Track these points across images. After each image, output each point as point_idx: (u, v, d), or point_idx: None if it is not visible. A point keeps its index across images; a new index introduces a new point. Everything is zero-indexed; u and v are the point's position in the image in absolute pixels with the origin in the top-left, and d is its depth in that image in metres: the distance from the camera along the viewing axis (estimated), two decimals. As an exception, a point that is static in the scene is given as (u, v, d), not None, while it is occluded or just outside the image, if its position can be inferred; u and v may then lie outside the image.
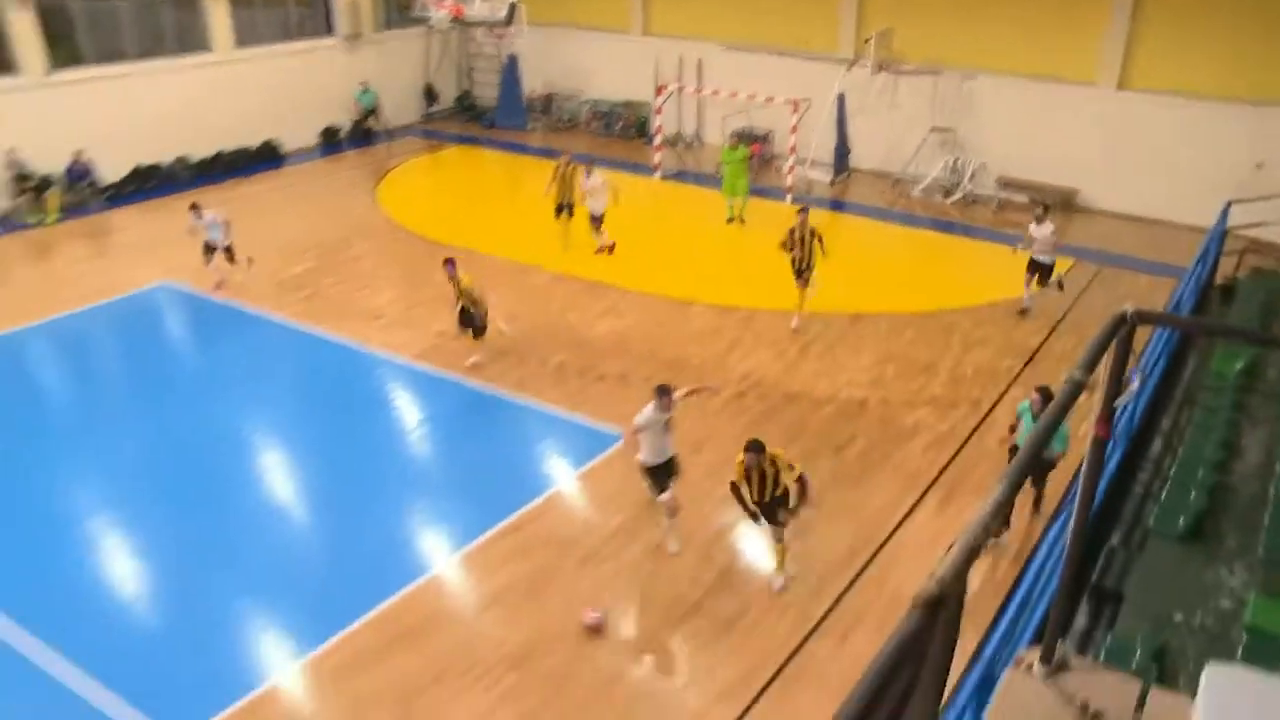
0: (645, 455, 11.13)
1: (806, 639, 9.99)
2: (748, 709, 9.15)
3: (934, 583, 2.70)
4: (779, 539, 10.64)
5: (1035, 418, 10.73)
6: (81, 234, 21.61)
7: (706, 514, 11.74)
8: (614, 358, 15.43)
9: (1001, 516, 9.77)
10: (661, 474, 11.19)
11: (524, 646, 9.90)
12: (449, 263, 15.26)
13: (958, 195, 23.55)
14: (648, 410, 10.93)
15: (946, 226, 22.01)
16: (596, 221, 19.37)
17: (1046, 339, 16.25)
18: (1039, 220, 16.61)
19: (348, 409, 14.57)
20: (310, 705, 9.53)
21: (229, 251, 18.14)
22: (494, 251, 19.78)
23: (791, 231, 16.26)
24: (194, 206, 18.18)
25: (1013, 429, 11.57)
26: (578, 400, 14.21)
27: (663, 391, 11.01)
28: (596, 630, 10.01)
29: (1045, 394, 10.75)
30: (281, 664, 9.99)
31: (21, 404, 14.95)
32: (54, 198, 22.28)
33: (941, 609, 2.72)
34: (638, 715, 9.15)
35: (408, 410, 14.61)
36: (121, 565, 11.59)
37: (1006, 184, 23.35)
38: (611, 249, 19.26)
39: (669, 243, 20.88)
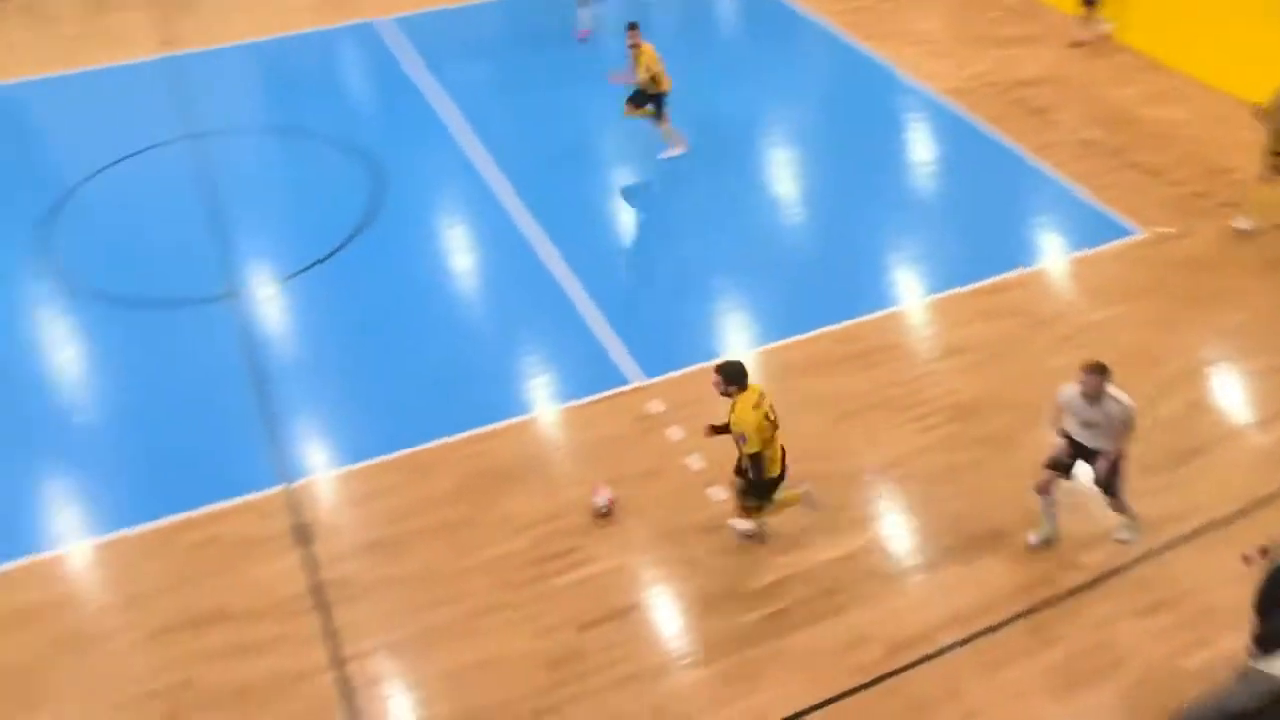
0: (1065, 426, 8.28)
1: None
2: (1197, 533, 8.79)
3: None
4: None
5: None
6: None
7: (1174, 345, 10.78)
8: (1153, 148, 14.12)
9: None
10: (1068, 459, 8.33)
11: (972, 403, 9.93)
12: (633, 27, 13.43)
13: None
14: (1068, 389, 8.08)
15: None
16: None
17: None
18: None
19: (863, 125, 14.70)
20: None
21: None
22: (1051, 2, 18.43)
23: None
24: None
25: None
26: (1099, 181, 13.27)
27: (1093, 372, 7.76)
28: (604, 515, 8.94)
29: None
30: (740, 344, 10.85)
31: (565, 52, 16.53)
32: None
33: None
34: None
35: (920, 143, 14.49)
36: (628, 217, 13.04)
37: None
38: (1081, 44, 16.47)
39: (1256, 35, 18.39)
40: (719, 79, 16.04)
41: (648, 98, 13.51)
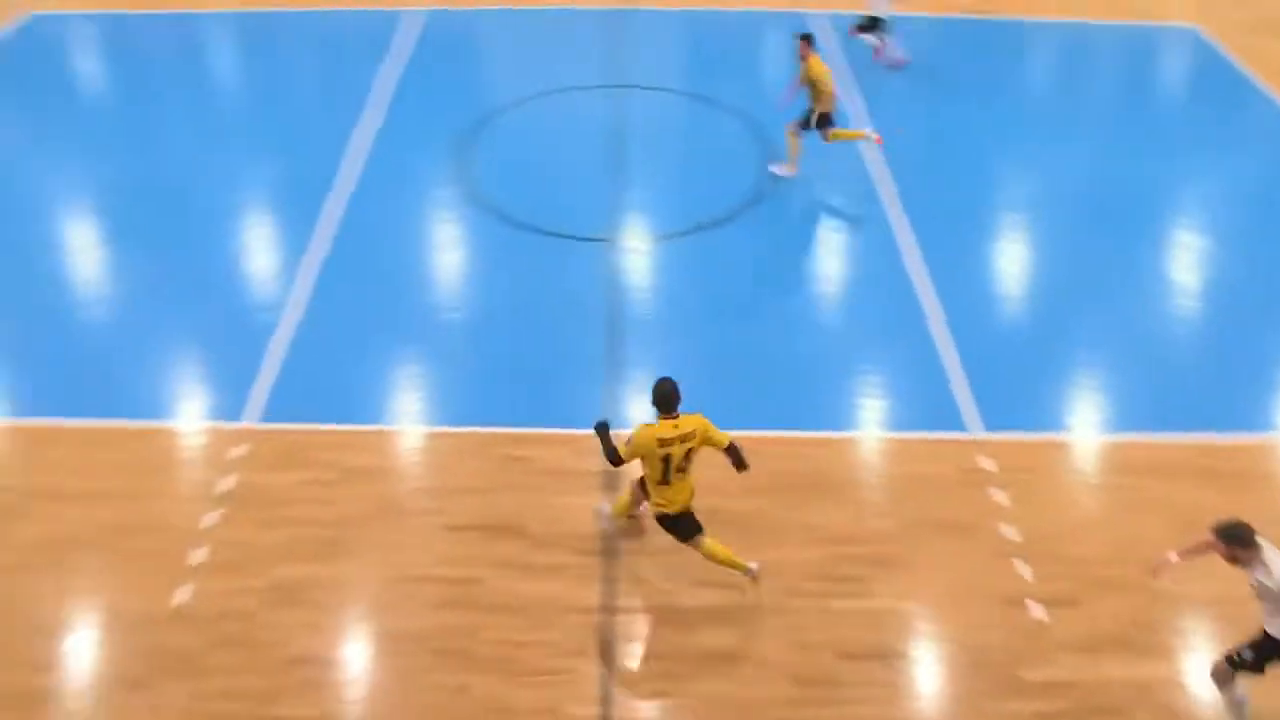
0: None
1: None
2: None
3: None
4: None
5: None
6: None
7: None
8: None
9: None
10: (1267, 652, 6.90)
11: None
12: (805, 38, 13.01)
13: None
14: None
15: None
16: None
17: None
18: None
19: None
20: (1073, 478, 9.69)
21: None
22: None
23: None
24: None
25: None
26: None
27: (1217, 534, 6.62)
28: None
29: None
30: (1091, 424, 10.22)
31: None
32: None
33: None
34: None
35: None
36: (1011, 263, 12.68)
37: None
38: None
39: None
40: (1146, 141, 15.02)
41: (819, 118, 13.20)
